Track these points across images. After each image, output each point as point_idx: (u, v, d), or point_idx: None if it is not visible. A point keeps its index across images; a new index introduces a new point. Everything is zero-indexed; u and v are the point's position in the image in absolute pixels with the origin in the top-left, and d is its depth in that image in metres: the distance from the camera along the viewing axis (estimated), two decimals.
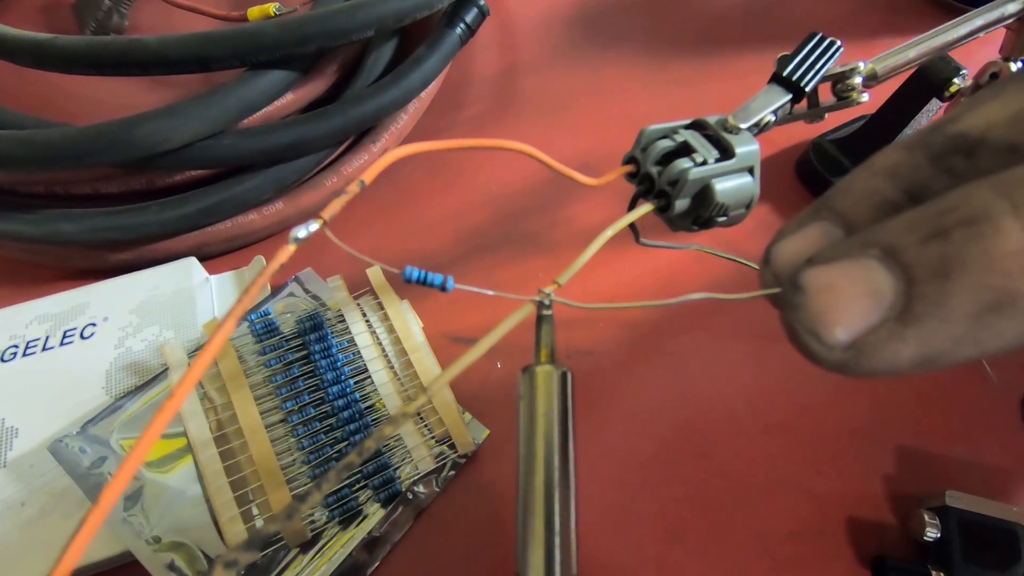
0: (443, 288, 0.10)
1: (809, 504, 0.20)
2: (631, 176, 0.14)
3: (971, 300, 0.08)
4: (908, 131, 0.23)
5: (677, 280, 0.24)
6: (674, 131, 0.14)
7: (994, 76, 0.20)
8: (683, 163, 0.13)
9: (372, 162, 0.25)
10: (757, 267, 0.11)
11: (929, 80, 0.21)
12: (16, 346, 0.21)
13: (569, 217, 0.26)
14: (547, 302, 0.11)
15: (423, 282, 0.10)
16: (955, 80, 0.21)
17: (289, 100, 0.24)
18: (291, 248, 0.10)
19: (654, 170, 0.13)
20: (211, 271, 0.24)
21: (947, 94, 0.21)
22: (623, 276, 0.25)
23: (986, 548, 0.18)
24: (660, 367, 0.23)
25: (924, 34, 0.18)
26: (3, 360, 0.20)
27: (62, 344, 0.21)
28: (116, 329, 0.21)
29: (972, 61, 0.21)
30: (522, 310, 0.10)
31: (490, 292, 0.10)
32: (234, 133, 0.22)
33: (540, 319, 0.11)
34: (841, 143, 0.25)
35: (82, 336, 0.21)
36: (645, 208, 0.13)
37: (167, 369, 0.20)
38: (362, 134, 0.26)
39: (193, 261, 0.23)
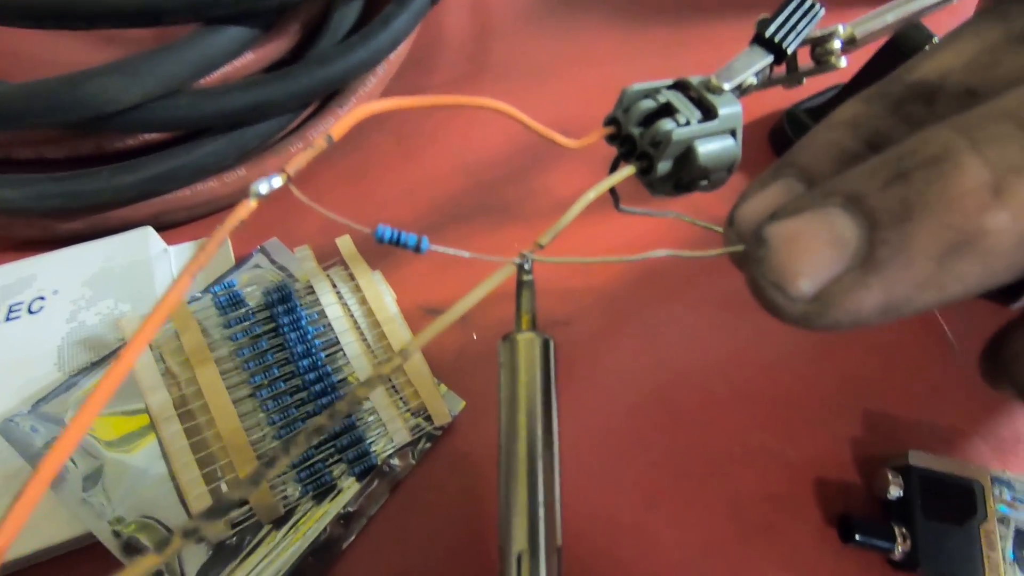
0: (417, 249, 0.09)
1: (779, 469, 0.20)
2: (612, 138, 0.13)
3: (932, 242, 0.08)
4: None
5: (650, 249, 0.24)
6: (656, 91, 0.13)
7: None
8: (666, 124, 0.12)
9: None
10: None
11: (902, 48, 0.21)
12: None
13: (546, 186, 0.26)
14: (527, 266, 0.10)
15: (396, 242, 0.09)
16: (927, 48, 0.21)
17: (249, 60, 0.23)
18: (252, 203, 0.09)
19: (636, 131, 0.13)
20: (170, 242, 0.23)
21: None
22: (596, 246, 0.24)
23: (945, 504, 0.18)
24: (635, 338, 0.23)
25: None
26: None
27: (7, 319, 0.19)
28: (67, 303, 0.20)
29: (947, 29, 0.21)
30: (503, 271, 0.10)
31: (467, 254, 0.10)
32: (190, 93, 0.21)
33: (520, 284, 0.10)
34: (814, 112, 0.25)
35: (30, 311, 0.20)
36: (627, 170, 0.13)
37: (124, 344, 0.19)
38: (328, 98, 0.25)
39: (149, 231, 0.21)
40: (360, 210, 0.25)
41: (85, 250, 0.21)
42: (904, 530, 0.18)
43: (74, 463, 0.17)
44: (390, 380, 0.20)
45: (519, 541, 0.08)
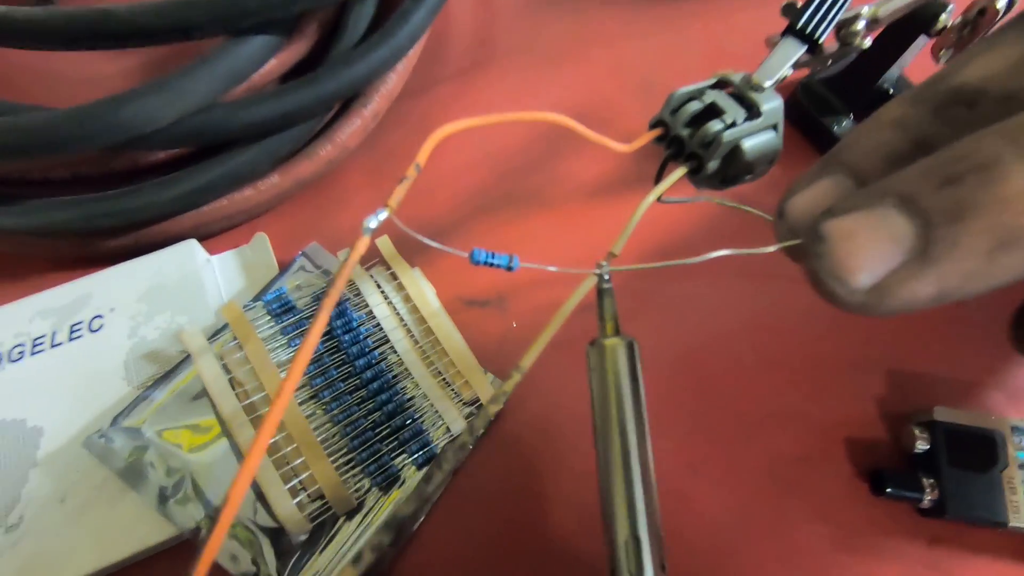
0: (509, 268, 0.10)
1: (810, 430, 0.22)
2: (659, 139, 0.14)
3: (984, 239, 0.09)
4: (895, 68, 0.24)
5: (677, 231, 0.25)
6: (701, 92, 0.14)
7: (981, 12, 0.20)
8: (715, 125, 0.13)
9: (364, 126, 0.25)
10: (769, 217, 0.12)
11: (917, 18, 0.22)
12: (22, 344, 0.20)
13: (569, 172, 0.26)
14: (606, 275, 0.11)
15: (489, 263, 0.10)
16: (942, 16, 0.21)
17: (272, 65, 0.23)
18: (366, 239, 0.10)
19: (684, 132, 0.14)
20: (211, 251, 0.23)
21: (934, 30, 0.22)
22: (611, 230, 0.25)
23: (969, 454, 0.20)
24: (658, 314, 0.23)
25: None
26: (11, 360, 0.20)
27: (71, 339, 0.20)
28: (126, 319, 0.21)
29: None
30: (586, 283, 0.11)
31: (554, 268, 0.11)
32: (223, 106, 0.21)
33: (601, 292, 0.11)
34: (829, 82, 0.25)
35: (91, 329, 0.20)
36: (679, 172, 0.13)
37: (188, 356, 0.20)
38: (351, 97, 0.25)
39: (194, 243, 0.22)
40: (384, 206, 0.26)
41: (135, 266, 0.21)
42: (932, 480, 0.19)
43: (154, 467, 0.18)
44: (440, 373, 0.21)
45: (623, 530, 0.09)
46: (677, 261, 0.11)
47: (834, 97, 0.25)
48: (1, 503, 0.18)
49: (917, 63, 0.24)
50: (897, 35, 0.22)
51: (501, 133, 0.27)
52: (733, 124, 0.13)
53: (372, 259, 0.23)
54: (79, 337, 0.20)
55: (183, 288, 0.21)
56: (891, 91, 0.25)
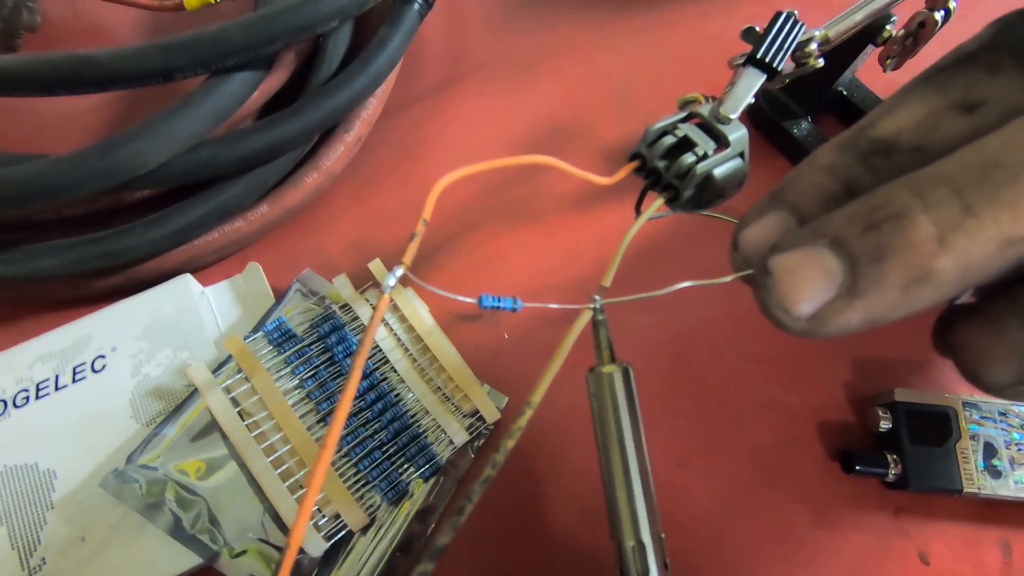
0: (514, 310, 0.11)
1: (787, 417, 0.23)
2: (638, 170, 0.15)
3: (899, 277, 0.10)
4: (848, 73, 0.25)
5: (656, 237, 0.26)
6: (674, 126, 0.15)
7: (921, 24, 0.22)
8: (688, 158, 0.14)
9: (348, 151, 0.25)
10: (736, 221, 0.14)
11: (864, 29, 0.23)
12: (26, 390, 0.20)
13: (548, 184, 0.27)
14: (599, 307, 0.12)
15: (496, 307, 0.11)
16: (887, 27, 0.23)
17: (254, 97, 0.23)
18: (387, 297, 0.11)
19: (661, 165, 0.15)
20: (204, 282, 0.24)
21: (880, 39, 0.23)
22: (583, 240, 0.26)
23: (927, 430, 0.22)
24: (643, 316, 0.25)
25: None
26: (16, 406, 0.20)
27: (75, 381, 0.21)
28: (127, 357, 0.21)
29: (903, 9, 0.23)
30: (582, 318, 0.12)
31: (554, 306, 0.12)
32: (210, 144, 0.21)
33: (596, 324, 0.12)
34: (788, 89, 0.27)
35: (94, 369, 0.21)
36: (658, 202, 0.15)
37: (195, 390, 0.20)
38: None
39: (189, 278, 0.23)
40: (374, 228, 0.26)
41: (132, 305, 0.22)
42: (895, 457, 0.21)
43: (171, 501, 0.19)
44: (439, 388, 0.22)
45: (629, 537, 0.11)
46: (645, 295, 0.13)
47: (793, 102, 0.27)
48: (21, 547, 0.19)
49: (868, 66, 0.25)
50: (847, 46, 0.24)
51: (485, 150, 0.28)
52: (705, 156, 0.14)
53: (366, 282, 0.24)
54: (83, 379, 0.21)
55: (181, 323, 0.22)
56: (845, 93, 0.27)
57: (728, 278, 0.13)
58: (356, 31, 0.26)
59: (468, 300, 0.11)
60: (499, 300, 0.11)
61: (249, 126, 0.22)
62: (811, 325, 0.11)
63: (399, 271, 0.11)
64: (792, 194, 0.12)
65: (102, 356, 0.21)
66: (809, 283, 0.11)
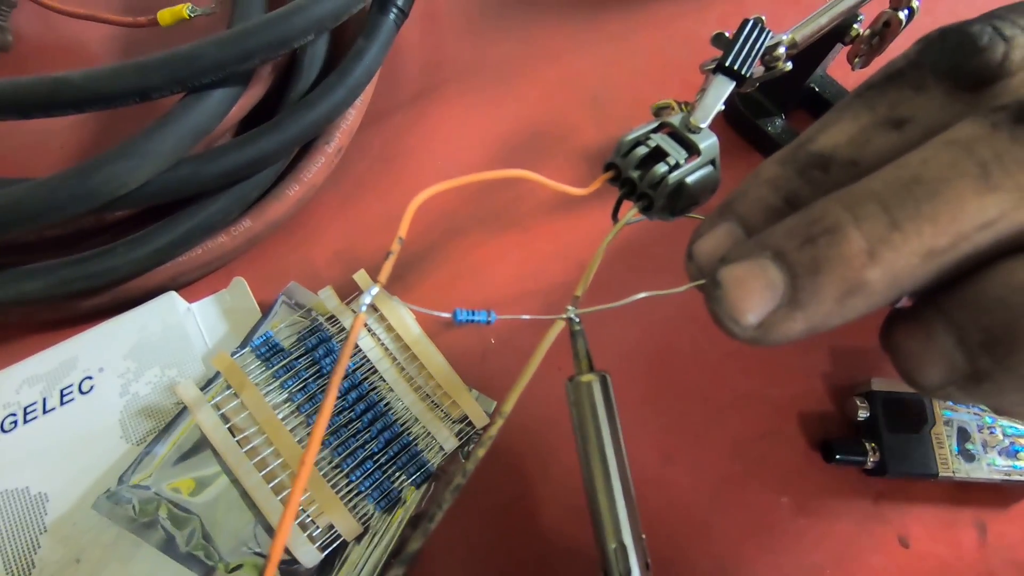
0: (488, 323, 0.12)
1: (768, 409, 0.24)
2: (613, 180, 0.16)
3: (834, 288, 0.11)
4: (819, 70, 0.26)
5: (587, 249, 0.26)
6: (647, 136, 0.15)
7: (887, 24, 0.22)
8: (661, 167, 0.15)
9: (329, 163, 0.26)
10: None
11: (832, 29, 0.24)
12: (14, 414, 0.20)
13: (528, 190, 0.27)
14: (576, 318, 0.13)
15: (471, 321, 0.12)
16: (854, 26, 0.23)
17: (232, 112, 0.23)
18: (363, 315, 0.11)
19: (635, 175, 0.15)
20: (189, 299, 0.24)
21: (848, 38, 0.24)
22: (561, 242, 0.26)
23: (903, 417, 0.22)
24: (622, 318, 0.25)
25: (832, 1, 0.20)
26: (5, 431, 0.20)
27: (63, 403, 0.21)
28: (115, 377, 0.21)
29: (869, 9, 0.23)
30: (556, 327, 0.12)
31: (526, 316, 0.12)
32: (190, 161, 0.21)
33: (573, 334, 0.13)
34: (761, 87, 0.27)
35: (82, 391, 0.21)
36: (632, 211, 0.15)
37: (184, 408, 0.20)
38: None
39: (174, 295, 0.23)
40: (358, 239, 0.26)
41: (118, 325, 0.22)
42: (873, 444, 0.22)
43: (165, 519, 0.19)
44: (428, 396, 0.22)
45: (612, 539, 0.11)
46: (607, 305, 0.13)
47: (767, 100, 0.27)
48: (16, 571, 0.19)
49: (839, 62, 0.26)
50: (817, 45, 0.24)
51: (465, 157, 0.28)
52: (677, 165, 0.15)
53: (352, 293, 0.24)
54: (71, 401, 0.21)
55: (168, 341, 0.22)
56: (817, 89, 0.28)
57: (683, 288, 0.13)
58: (333, 43, 0.26)
59: (442, 315, 0.12)
60: (473, 314, 0.12)
61: (229, 142, 0.22)
62: (758, 334, 0.11)
63: (374, 290, 0.12)
64: (740, 206, 0.13)
65: (89, 377, 0.21)
66: (755, 294, 0.11)
